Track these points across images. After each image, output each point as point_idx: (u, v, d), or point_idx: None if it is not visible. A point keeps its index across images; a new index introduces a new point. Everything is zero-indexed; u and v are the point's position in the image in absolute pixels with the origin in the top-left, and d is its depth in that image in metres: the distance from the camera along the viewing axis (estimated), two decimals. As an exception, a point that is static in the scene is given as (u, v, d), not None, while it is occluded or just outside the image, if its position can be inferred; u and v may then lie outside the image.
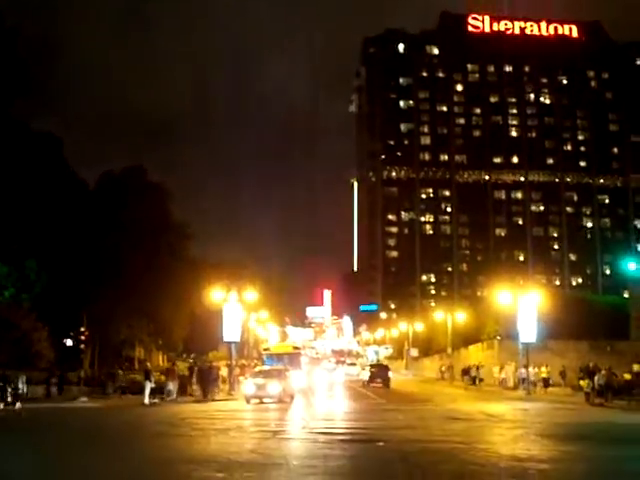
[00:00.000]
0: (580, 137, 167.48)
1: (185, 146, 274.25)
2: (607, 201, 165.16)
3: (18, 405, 32.19)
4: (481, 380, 59.21)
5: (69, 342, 53.00)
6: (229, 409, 32.05)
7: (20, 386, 34.48)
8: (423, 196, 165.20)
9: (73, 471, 13.25)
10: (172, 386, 39.62)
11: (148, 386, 36.73)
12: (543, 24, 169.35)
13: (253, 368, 51.59)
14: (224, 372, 49.82)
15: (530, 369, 46.89)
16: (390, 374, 60.11)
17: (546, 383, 47.31)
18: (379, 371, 60.15)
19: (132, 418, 28.53)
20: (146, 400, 35.99)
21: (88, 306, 48.29)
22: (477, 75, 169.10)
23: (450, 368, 68.29)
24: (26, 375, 36.41)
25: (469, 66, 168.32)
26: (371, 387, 54.92)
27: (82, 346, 47.37)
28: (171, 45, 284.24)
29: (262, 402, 34.79)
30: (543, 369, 47.51)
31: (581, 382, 40.61)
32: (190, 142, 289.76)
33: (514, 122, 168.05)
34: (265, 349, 57.11)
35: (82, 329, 46.58)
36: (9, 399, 32.99)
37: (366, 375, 60.40)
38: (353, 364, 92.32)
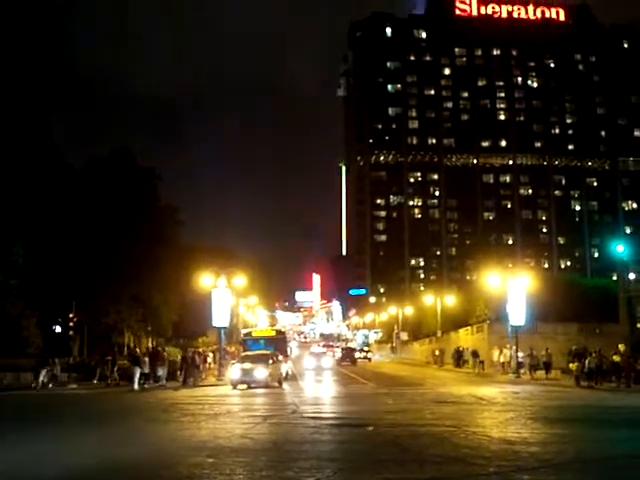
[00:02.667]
0: (568, 120, 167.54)
1: (179, 132, 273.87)
2: (595, 184, 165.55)
3: None
4: (465, 362, 60.52)
5: (58, 329, 52.74)
6: (218, 394, 31.98)
7: None
8: (411, 180, 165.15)
9: (64, 456, 13.16)
10: (161, 372, 39.61)
11: (137, 372, 36.65)
12: (530, 8, 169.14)
13: (237, 353, 51.33)
14: (210, 358, 49.77)
15: (532, 352, 46.33)
16: (356, 355, 77.40)
17: (547, 367, 44.80)
18: (348, 352, 76.53)
19: (122, 404, 28.45)
20: (135, 386, 35.92)
21: (77, 292, 48.03)
22: (465, 59, 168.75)
23: (442, 351, 68.24)
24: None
25: (457, 50, 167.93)
26: (342, 365, 66.86)
27: (71, 332, 47.13)
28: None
29: (250, 387, 34.70)
30: (543, 352, 45.80)
31: (570, 365, 40.73)
32: (183, 129, 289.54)
33: (502, 105, 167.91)
34: (246, 334, 55.47)
35: (71, 315, 46.35)
36: None
37: (339, 355, 75.03)
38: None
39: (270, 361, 37.38)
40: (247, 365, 36.39)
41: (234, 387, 35.10)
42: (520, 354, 47.58)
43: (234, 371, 36.62)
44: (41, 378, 36.60)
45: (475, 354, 55.52)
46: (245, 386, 34.94)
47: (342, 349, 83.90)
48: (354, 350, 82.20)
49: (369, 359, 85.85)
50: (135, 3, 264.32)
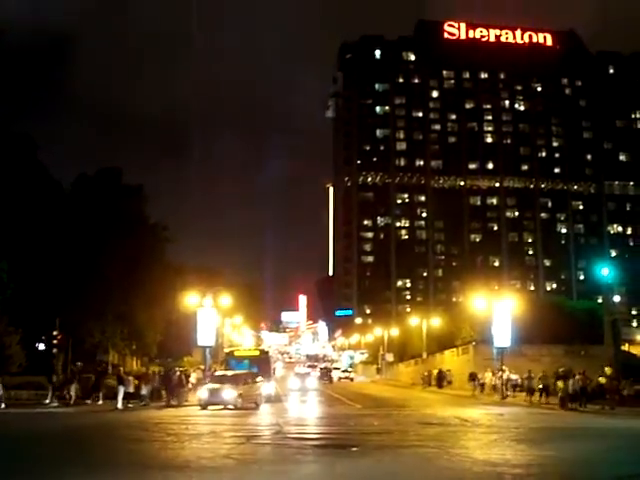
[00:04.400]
0: (554, 144, 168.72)
1: (167, 151, 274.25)
2: (581, 207, 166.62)
3: None
4: (450, 383, 61.69)
5: (41, 346, 52.37)
6: (202, 414, 31.75)
7: None
8: (398, 201, 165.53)
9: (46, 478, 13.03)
10: (145, 391, 39.36)
11: (121, 391, 36.44)
12: (518, 32, 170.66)
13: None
14: (193, 378, 49.28)
15: (530, 375, 44.96)
16: (333, 374, 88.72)
17: (546, 390, 41.77)
18: (325, 372, 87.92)
19: (105, 423, 28.24)
20: (119, 405, 35.70)
21: (61, 310, 47.69)
22: (453, 81, 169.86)
23: (429, 373, 67.90)
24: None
25: (445, 72, 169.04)
26: (321, 383, 74.05)
27: (54, 350, 46.75)
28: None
29: (227, 408, 33.65)
30: (540, 374, 43.30)
31: (559, 385, 40.62)
32: (171, 147, 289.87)
33: (489, 128, 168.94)
34: (228, 353, 53.24)
35: (55, 333, 45.99)
36: None
37: (318, 374, 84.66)
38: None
39: (242, 381, 36.14)
40: (215, 385, 35.60)
41: (203, 407, 34.02)
42: (514, 376, 47.34)
43: (202, 391, 35.70)
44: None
45: (473, 376, 53.91)
46: (221, 407, 33.89)
47: (320, 369, 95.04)
48: (330, 370, 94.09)
49: (351, 379, 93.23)
50: (135, 20, 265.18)
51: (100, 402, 37.44)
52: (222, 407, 33.92)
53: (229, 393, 34.17)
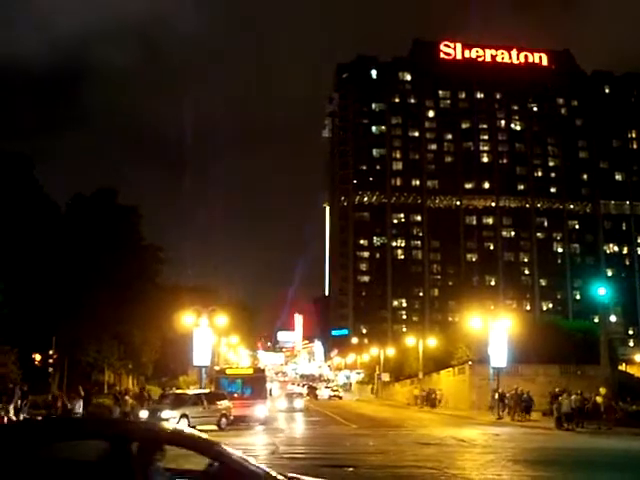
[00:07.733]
0: (550, 163, 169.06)
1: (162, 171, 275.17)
2: (577, 227, 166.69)
3: None
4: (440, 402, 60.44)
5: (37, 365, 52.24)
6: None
7: None
8: (395, 221, 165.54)
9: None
10: (141, 411, 39.20)
11: (117, 410, 36.31)
12: (514, 52, 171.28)
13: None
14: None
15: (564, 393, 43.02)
16: (317, 392, 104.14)
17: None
18: (312, 390, 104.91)
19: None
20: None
21: (57, 329, 47.65)
22: (449, 101, 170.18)
23: (428, 393, 66.99)
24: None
25: (441, 92, 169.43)
26: (308, 398, 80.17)
27: (50, 369, 46.64)
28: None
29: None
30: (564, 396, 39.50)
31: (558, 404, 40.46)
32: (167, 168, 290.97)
33: (485, 148, 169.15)
34: (219, 371, 49.97)
35: (51, 352, 45.91)
36: None
37: (305, 391, 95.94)
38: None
39: (192, 402, 35.67)
40: (155, 406, 35.73)
41: None
42: (526, 396, 46.86)
43: (142, 413, 35.43)
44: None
45: (502, 397, 48.19)
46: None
47: (307, 387, 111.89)
48: (316, 388, 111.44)
49: (340, 397, 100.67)
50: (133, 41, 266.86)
51: None
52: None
53: (167, 414, 33.16)
